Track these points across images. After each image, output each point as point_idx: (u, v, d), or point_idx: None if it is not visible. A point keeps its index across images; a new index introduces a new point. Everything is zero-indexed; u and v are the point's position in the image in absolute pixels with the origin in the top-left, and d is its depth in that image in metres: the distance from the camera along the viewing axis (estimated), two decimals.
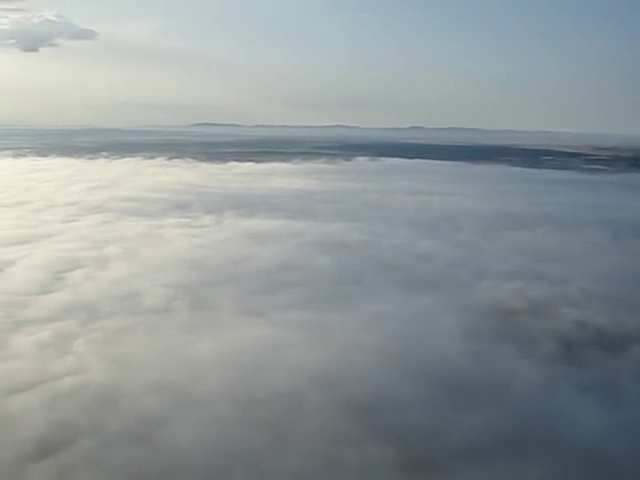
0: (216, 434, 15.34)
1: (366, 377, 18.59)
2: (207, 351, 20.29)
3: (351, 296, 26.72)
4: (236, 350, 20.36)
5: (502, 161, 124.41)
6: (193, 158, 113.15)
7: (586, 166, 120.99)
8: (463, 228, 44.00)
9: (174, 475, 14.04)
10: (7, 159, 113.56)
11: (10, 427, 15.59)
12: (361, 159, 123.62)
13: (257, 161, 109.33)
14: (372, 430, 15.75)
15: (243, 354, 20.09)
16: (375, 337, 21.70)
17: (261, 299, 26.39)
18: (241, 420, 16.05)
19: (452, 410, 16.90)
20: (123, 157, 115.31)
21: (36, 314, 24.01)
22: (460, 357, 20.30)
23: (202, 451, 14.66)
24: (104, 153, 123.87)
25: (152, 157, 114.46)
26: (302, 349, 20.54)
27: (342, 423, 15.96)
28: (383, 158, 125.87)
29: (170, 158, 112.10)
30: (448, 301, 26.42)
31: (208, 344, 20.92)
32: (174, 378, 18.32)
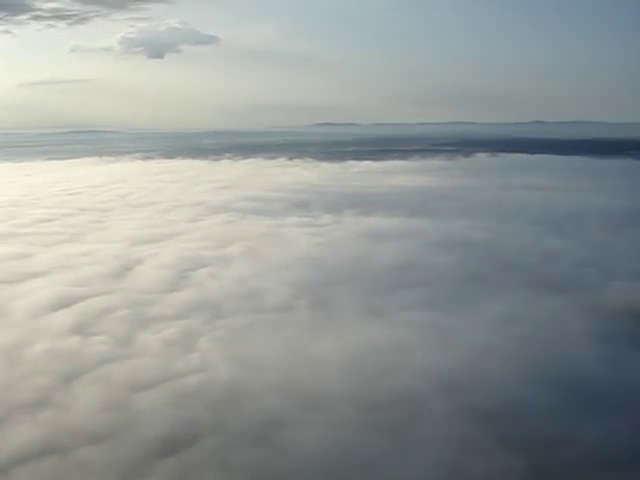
0: (337, 437, 15.19)
1: (492, 382, 17.97)
2: (328, 351, 20.21)
3: (474, 297, 26.01)
4: (357, 351, 20.18)
5: (630, 155, 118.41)
6: (313, 158, 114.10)
7: None
8: (590, 226, 42.08)
9: (295, 478, 14.01)
10: (137, 161, 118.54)
11: (137, 424, 16.01)
12: (481, 155, 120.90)
13: (375, 159, 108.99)
14: (499, 438, 15.18)
15: (364, 355, 19.87)
16: (501, 340, 21.00)
17: (382, 299, 26.15)
18: (363, 424, 15.82)
19: (584, 418, 16.07)
20: (246, 158, 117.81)
21: (163, 311, 24.76)
22: (592, 362, 19.29)
23: (323, 455, 14.56)
24: (227, 154, 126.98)
25: (273, 157, 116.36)
26: (425, 351, 20.13)
27: (467, 430, 15.47)
28: (503, 154, 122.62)
29: (291, 158, 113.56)
30: (577, 303, 25.27)
31: (329, 344, 20.86)
32: (295, 378, 18.34)
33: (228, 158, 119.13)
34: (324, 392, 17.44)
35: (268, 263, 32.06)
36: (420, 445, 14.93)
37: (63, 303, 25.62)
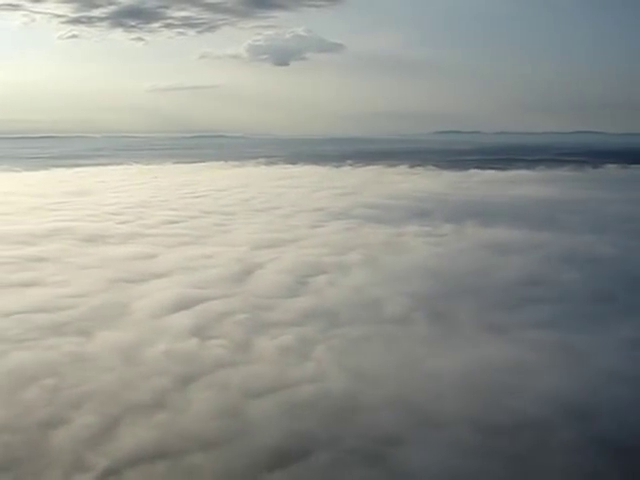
0: (454, 460, 14.49)
1: (625, 411, 16.75)
2: (446, 367, 19.48)
3: (603, 316, 24.58)
4: (477, 369, 19.36)
5: None
6: (434, 166, 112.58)
7: None
8: None
9: None
10: (261, 166, 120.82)
11: (249, 432, 15.87)
12: (610, 167, 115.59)
13: (499, 169, 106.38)
14: (631, 474, 14.16)
15: (484, 374, 19.02)
16: (634, 365, 19.73)
17: (503, 315, 25.16)
18: (481, 448, 15.04)
19: None
20: (367, 165, 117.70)
21: (280, 317, 24.76)
22: None
23: (438, 478, 14.00)
24: (349, 161, 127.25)
25: (395, 165, 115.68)
26: (549, 373, 19.02)
27: (595, 462, 14.40)
28: (635, 166, 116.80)
29: (412, 166, 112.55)
30: None
31: (446, 360, 20.14)
32: (411, 394, 17.75)
33: (349, 165, 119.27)
34: (440, 410, 16.76)
35: (386, 272, 31.63)
36: (543, 476, 14.09)
37: (183, 304, 26.10)
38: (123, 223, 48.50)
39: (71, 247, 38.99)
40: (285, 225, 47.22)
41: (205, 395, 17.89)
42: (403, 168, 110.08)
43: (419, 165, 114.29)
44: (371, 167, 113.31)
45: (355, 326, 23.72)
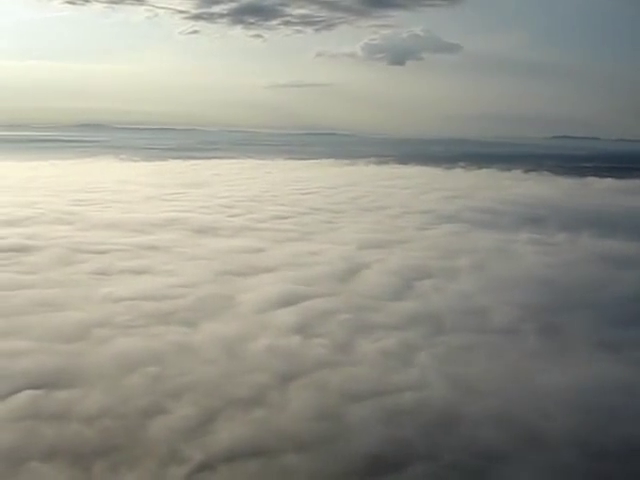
0: None
1: None
2: (554, 384, 18.49)
3: None
4: (587, 388, 18.28)
5: None
6: (549, 171, 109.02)
7: None
8: None
9: None
10: (371, 165, 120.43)
11: (345, 436, 15.58)
12: None
13: (618, 177, 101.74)
14: None
15: (595, 394, 17.92)
16: None
17: (617, 332, 23.75)
18: (588, 475, 14.23)
19: None
20: (479, 168, 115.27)
21: (384, 320, 24.32)
22: None
23: None
24: (460, 163, 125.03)
25: (508, 169, 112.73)
26: None
27: None
28: None
29: (526, 171, 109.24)
30: None
31: (555, 376, 19.14)
32: (516, 410, 16.95)
33: (461, 167, 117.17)
34: (546, 430, 15.89)
35: (495, 280, 30.61)
36: None
37: (288, 300, 26.08)
38: (234, 216, 49.25)
39: (183, 237, 39.88)
40: (393, 226, 46.70)
41: (304, 394, 17.72)
42: (516, 173, 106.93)
43: (533, 170, 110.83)
44: (483, 170, 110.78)
45: (460, 334, 23.02)
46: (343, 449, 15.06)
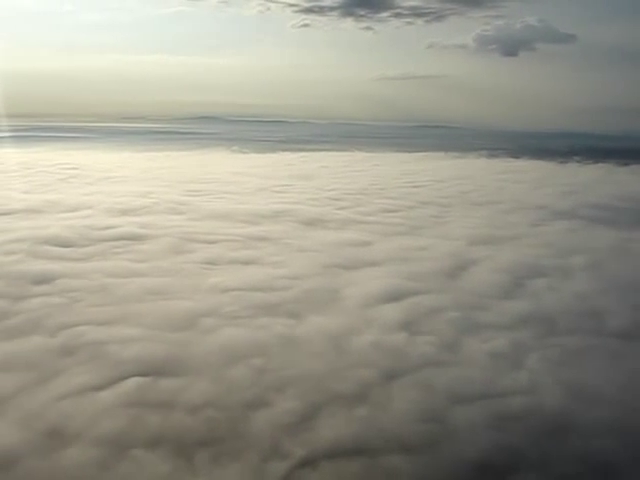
0: None
1: None
2: None
3: None
4: None
5: None
6: None
7: None
8: None
9: None
10: (482, 159, 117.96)
11: (451, 439, 15.10)
12: None
13: None
14: None
15: None
16: None
17: None
18: None
19: None
20: (596, 162, 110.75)
21: (493, 319, 23.49)
22: None
23: None
24: (575, 157, 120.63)
25: (626, 164, 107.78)
26: None
27: None
28: None
29: None
30: None
31: None
32: (635, 420, 16.00)
33: (577, 161, 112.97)
34: None
35: (613, 280, 29.05)
36: None
37: (394, 296, 25.61)
38: (342, 209, 49.07)
39: (291, 229, 40.04)
40: (504, 221, 45.31)
41: (409, 394, 17.27)
42: (636, 168, 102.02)
43: None
44: (600, 165, 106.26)
45: (575, 336, 21.93)
46: (448, 453, 14.56)
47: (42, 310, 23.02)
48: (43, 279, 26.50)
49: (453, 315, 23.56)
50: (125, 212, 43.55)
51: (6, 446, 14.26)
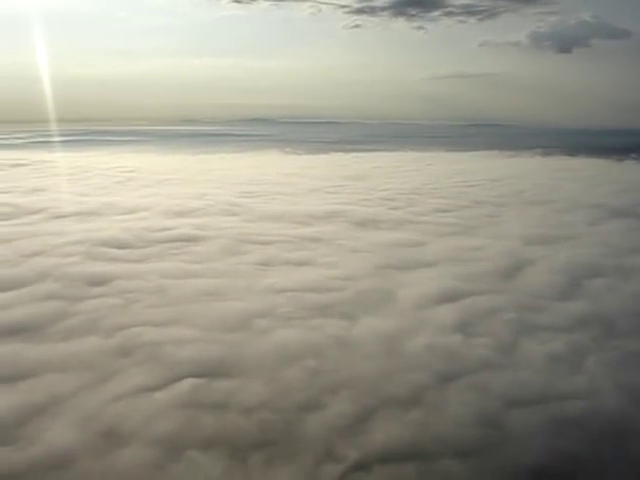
0: None
1: None
2: None
3: None
4: None
5: None
6: None
7: None
8: None
9: None
10: (536, 157, 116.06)
11: (507, 444, 14.83)
12: None
13: None
14: None
15: None
16: None
17: None
18: None
19: None
20: None
21: (550, 321, 23.02)
22: None
23: None
24: (633, 155, 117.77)
25: None
26: None
27: None
28: None
29: None
30: None
31: None
32: None
33: (634, 159, 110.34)
34: None
35: None
36: None
37: (448, 297, 25.35)
38: (395, 209, 48.85)
39: (344, 230, 39.98)
40: (560, 221, 44.42)
41: (464, 397, 17.02)
42: None
43: None
44: None
45: (635, 339, 21.34)
46: (505, 458, 14.30)
47: (99, 311, 23.42)
48: (100, 280, 26.94)
49: (509, 316, 23.17)
50: (181, 214, 44.06)
51: (63, 446, 14.50)
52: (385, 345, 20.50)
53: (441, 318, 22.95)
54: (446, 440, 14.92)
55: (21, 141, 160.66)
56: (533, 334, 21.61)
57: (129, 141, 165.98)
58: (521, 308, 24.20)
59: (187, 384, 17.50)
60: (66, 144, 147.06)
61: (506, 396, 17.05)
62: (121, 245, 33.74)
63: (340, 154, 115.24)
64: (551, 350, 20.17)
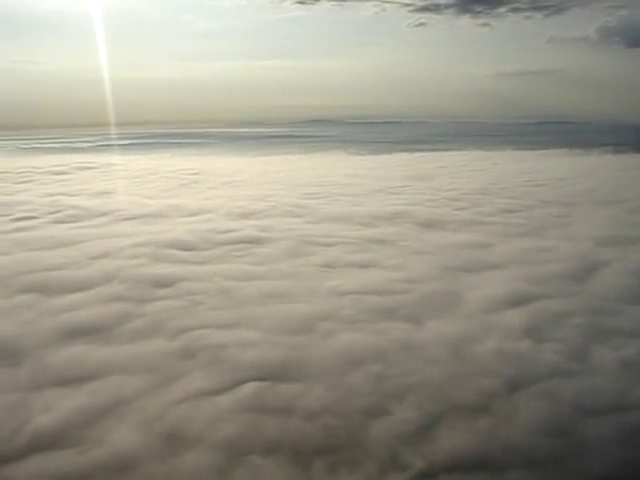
0: None
1: None
2: None
3: None
4: None
5: None
6: None
7: None
8: None
9: None
10: (607, 155, 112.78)
11: (578, 454, 14.24)
12: None
13: None
14: None
15: None
16: None
17: None
18: None
19: None
20: None
21: (624, 326, 22.03)
22: None
23: None
24: None
25: None
26: None
27: None
28: None
29: None
30: None
31: None
32: None
33: None
34: None
35: None
36: None
37: (517, 300, 24.65)
38: (460, 210, 48.04)
39: (408, 231, 39.49)
40: (632, 221, 42.90)
41: (533, 405, 16.42)
42: None
43: None
44: None
45: None
46: (576, 469, 13.72)
47: (164, 313, 23.55)
48: (165, 282, 27.14)
49: (581, 321, 22.38)
50: (244, 216, 44.21)
51: (126, 449, 14.54)
52: (452, 349, 20.00)
53: (509, 322, 22.31)
54: (515, 449, 14.40)
55: (88, 144, 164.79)
56: (605, 339, 20.79)
57: (193, 143, 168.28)
58: (593, 312, 23.34)
59: (250, 387, 17.37)
60: (131, 147, 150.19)
61: (578, 404, 16.40)
62: (186, 247, 33.98)
63: (404, 154, 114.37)
64: (624, 356, 19.38)
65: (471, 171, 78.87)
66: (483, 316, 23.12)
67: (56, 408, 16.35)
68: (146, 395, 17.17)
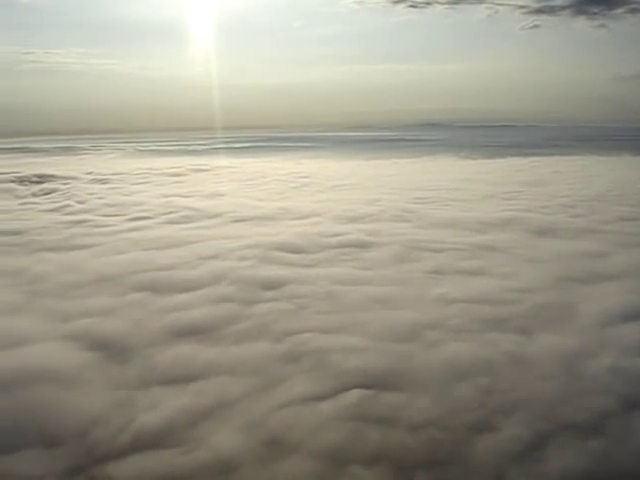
0: None
1: None
2: None
3: None
4: None
5: None
6: None
7: None
8: None
9: None
10: None
11: None
12: None
13: None
14: None
15: None
16: None
17: None
18: None
19: None
20: None
21: None
22: None
23: None
24: None
25: None
26: None
27: None
28: None
29: None
30: None
31: None
32: None
33: None
34: None
35: None
36: None
37: (634, 314, 23.27)
38: (576, 217, 46.25)
39: (520, 238, 38.31)
40: None
41: None
42: None
43: None
44: None
45: None
46: None
47: (270, 315, 23.67)
48: (273, 285, 27.32)
49: None
50: (353, 219, 44.13)
51: (228, 452, 14.61)
52: (564, 365, 19.13)
53: (627, 337, 21.13)
54: (629, 474, 13.59)
55: (203, 147, 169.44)
56: None
57: (305, 147, 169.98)
58: None
59: (354, 395, 17.15)
60: (245, 150, 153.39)
61: None
62: (294, 250, 34.16)
63: (517, 158, 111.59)
64: None
65: (587, 177, 75.93)
66: (598, 330, 22.03)
67: (161, 407, 16.64)
68: (249, 398, 17.24)
